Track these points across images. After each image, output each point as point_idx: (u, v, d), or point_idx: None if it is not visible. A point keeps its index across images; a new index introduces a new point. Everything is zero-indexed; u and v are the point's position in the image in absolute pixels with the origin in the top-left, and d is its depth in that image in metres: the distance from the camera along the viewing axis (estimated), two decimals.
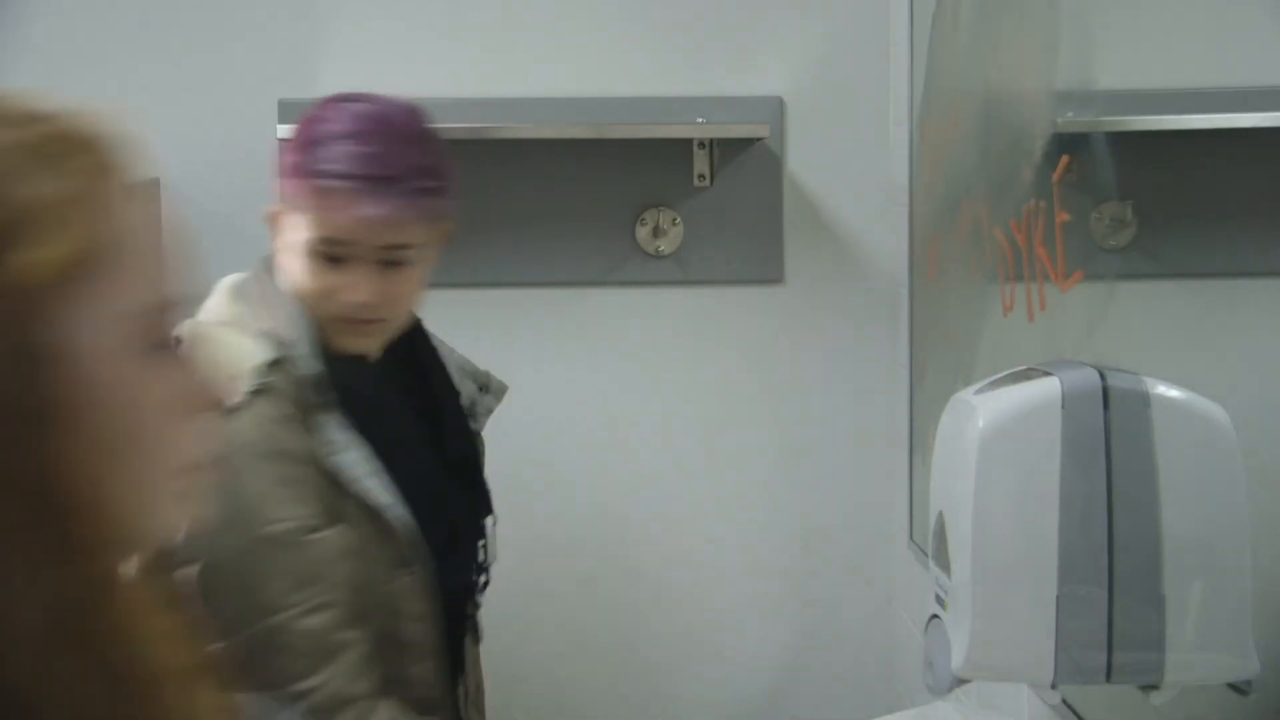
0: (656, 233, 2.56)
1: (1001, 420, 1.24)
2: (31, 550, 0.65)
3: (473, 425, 1.87)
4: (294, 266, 1.62)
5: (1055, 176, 1.54)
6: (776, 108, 2.55)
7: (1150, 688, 1.23)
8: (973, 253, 1.91)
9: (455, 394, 1.84)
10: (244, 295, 1.64)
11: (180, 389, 0.75)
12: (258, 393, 1.52)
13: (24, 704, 0.64)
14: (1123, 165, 1.43)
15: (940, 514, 1.32)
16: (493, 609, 2.61)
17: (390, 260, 1.61)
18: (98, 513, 0.67)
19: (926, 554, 1.44)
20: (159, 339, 0.75)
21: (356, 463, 1.58)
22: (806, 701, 2.64)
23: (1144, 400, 1.22)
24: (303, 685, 1.50)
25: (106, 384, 0.69)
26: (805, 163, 2.58)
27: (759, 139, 2.52)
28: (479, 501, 1.85)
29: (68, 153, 0.71)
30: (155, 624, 0.71)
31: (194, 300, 0.77)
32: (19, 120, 0.71)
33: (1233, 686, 1.20)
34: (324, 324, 1.62)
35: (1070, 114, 1.57)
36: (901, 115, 2.43)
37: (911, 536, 2.39)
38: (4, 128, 0.69)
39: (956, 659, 1.25)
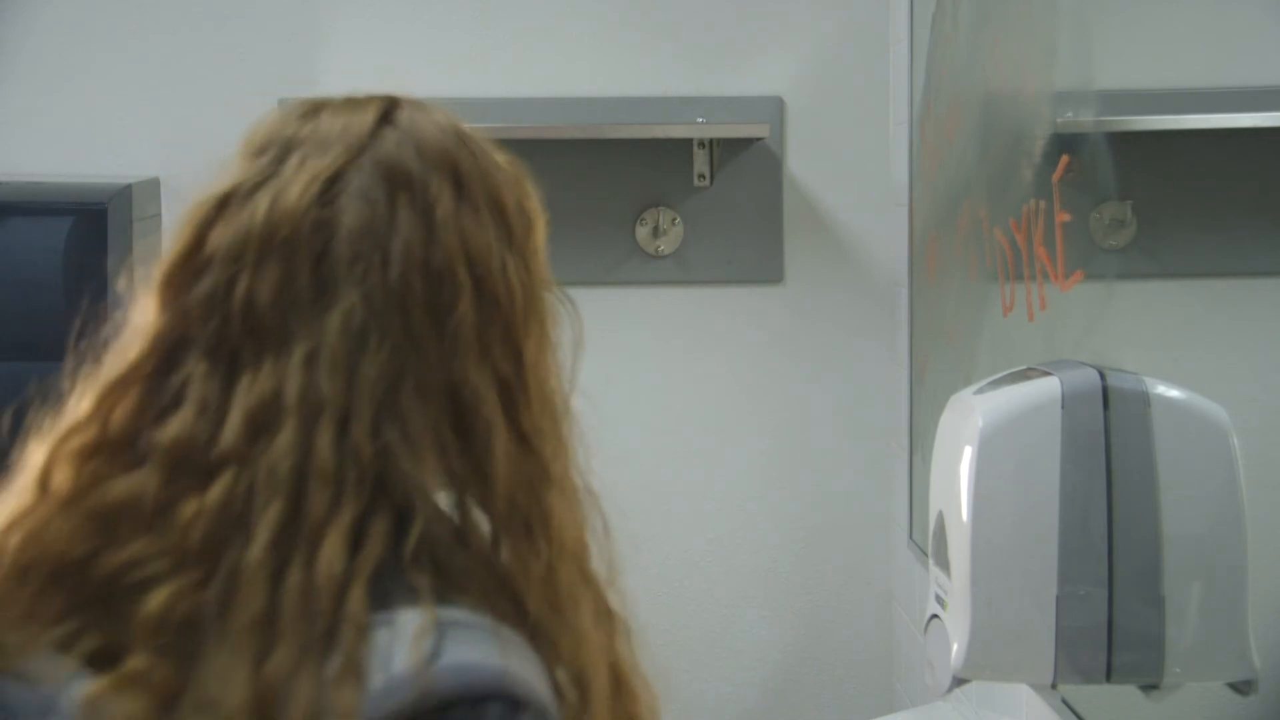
0: (656, 233, 2.56)
1: (1001, 420, 1.24)
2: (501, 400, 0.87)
3: None
4: None
5: (1055, 176, 1.54)
6: (776, 108, 2.55)
7: (1150, 688, 1.24)
8: (973, 253, 1.91)
9: None
10: None
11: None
12: None
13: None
14: (1123, 165, 1.43)
15: (940, 514, 1.32)
16: None
17: None
18: (541, 388, 0.91)
19: (926, 554, 1.44)
20: None
21: None
22: (806, 701, 2.64)
23: (1144, 400, 1.23)
24: None
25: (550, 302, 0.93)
26: (805, 163, 2.58)
27: (759, 139, 2.52)
28: None
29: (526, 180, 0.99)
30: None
31: None
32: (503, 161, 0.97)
33: (1233, 686, 1.20)
34: None
35: (1070, 114, 1.57)
36: (901, 115, 2.43)
37: (911, 536, 2.38)
38: (500, 165, 0.95)
39: (956, 659, 1.25)
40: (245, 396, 0.81)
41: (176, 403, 0.82)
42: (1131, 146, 1.44)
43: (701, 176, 2.54)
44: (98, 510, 0.81)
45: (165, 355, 0.83)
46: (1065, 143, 1.56)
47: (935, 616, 1.32)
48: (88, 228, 2.34)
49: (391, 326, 0.82)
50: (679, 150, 2.54)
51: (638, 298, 2.59)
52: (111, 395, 0.83)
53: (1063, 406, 1.23)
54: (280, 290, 0.82)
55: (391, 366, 0.82)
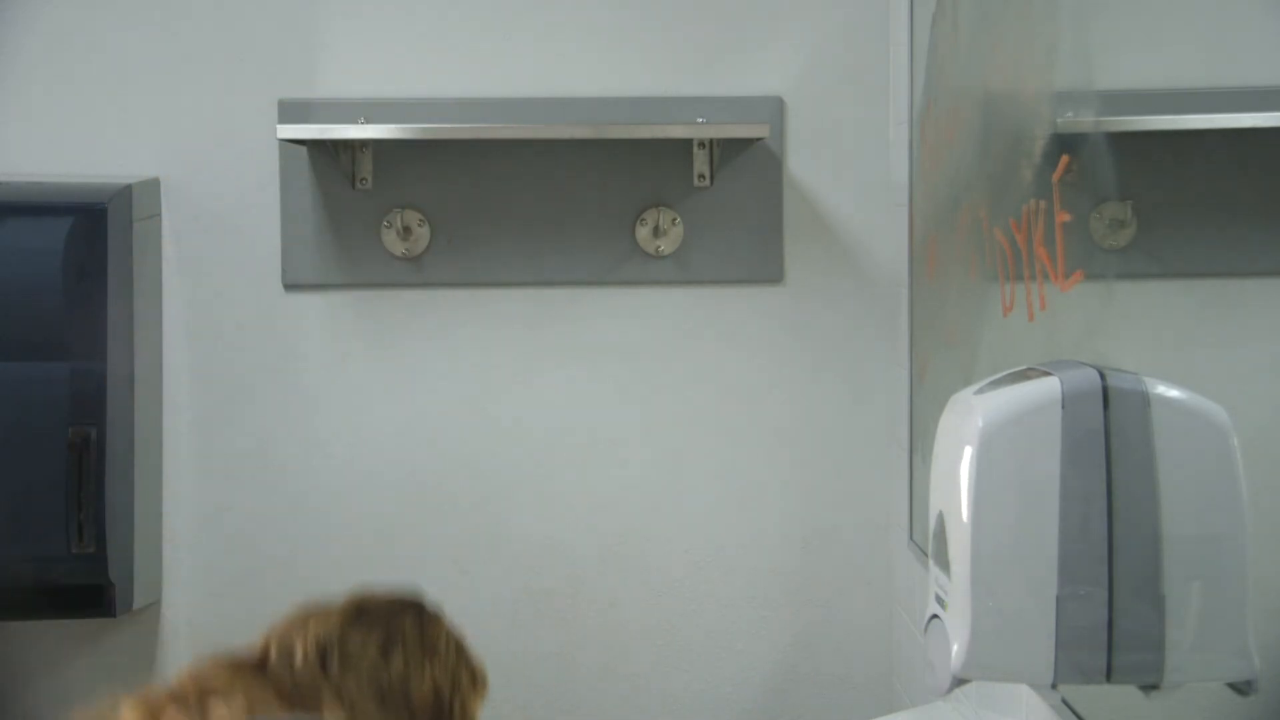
0: (656, 233, 2.56)
1: (1001, 420, 1.24)
2: None
3: None
4: None
5: (1055, 176, 1.54)
6: (776, 108, 2.55)
7: (1150, 688, 1.23)
8: (973, 253, 1.91)
9: None
10: None
11: None
12: None
13: None
14: (1123, 165, 1.43)
15: (940, 514, 1.32)
16: (493, 608, 2.61)
17: None
18: None
19: (926, 554, 1.43)
20: None
21: None
22: (806, 701, 2.64)
23: (1144, 400, 1.22)
24: None
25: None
26: (805, 163, 2.58)
27: (759, 139, 2.52)
28: None
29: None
30: None
31: None
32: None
33: (1233, 686, 1.20)
34: None
35: (1070, 114, 1.57)
36: (901, 115, 2.43)
37: (911, 536, 2.38)
38: (471, 658, 1.55)
39: (956, 659, 1.25)
40: (323, 683, 1.43)
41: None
42: (1131, 146, 1.44)
43: (701, 176, 2.54)
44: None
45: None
46: (1065, 143, 1.56)
47: (935, 616, 1.32)
48: (88, 228, 2.34)
49: (380, 684, 1.43)
50: (679, 150, 2.54)
51: (638, 298, 2.59)
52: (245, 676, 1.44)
53: (1063, 406, 1.23)
54: (329, 651, 1.45)
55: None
